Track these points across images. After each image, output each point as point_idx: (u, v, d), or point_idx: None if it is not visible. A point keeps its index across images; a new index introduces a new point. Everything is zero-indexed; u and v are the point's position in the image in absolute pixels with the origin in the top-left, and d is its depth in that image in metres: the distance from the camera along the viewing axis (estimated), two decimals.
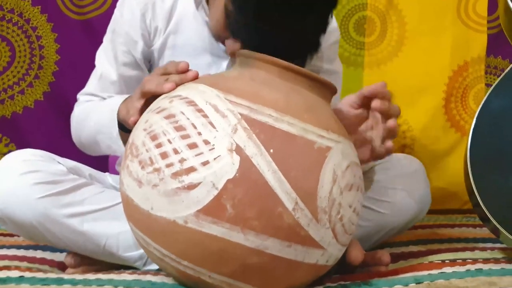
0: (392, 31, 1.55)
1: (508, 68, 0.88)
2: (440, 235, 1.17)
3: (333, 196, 0.63)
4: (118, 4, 1.02)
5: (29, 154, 0.84)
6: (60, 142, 1.39)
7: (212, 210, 0.59)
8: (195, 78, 0.71)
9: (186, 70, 0.71)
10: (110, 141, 0.87)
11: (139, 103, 0.73)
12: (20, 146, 1.51)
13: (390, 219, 0.92)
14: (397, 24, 1.55)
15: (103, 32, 1.49)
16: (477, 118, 0.87)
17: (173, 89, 0.70)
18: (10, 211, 0.80)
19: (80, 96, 1.03)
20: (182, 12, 0.98)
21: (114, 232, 0.83)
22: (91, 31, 1.54)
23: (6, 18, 1.54)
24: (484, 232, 0.94)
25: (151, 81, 0.73)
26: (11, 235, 1.18)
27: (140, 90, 0.74)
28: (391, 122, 0.73)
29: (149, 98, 0.73)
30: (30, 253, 0.97)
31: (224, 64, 0.97)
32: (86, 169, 0.91)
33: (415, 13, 1.54)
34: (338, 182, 0.64)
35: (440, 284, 0.68)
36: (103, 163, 1.24)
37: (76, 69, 1.51)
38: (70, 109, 1.51)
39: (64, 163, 0.86)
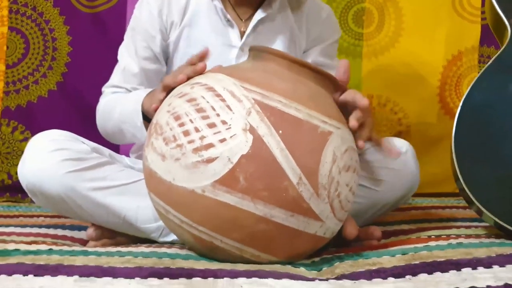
0: (389, 22, 1.59)
1: (490, 62, 0.93)
2: (431, 215, 1.24)
3: (333, 174, 0.70)
4: (137, 4, 1.09)
5: (57, 134, 0.90)
6: (73, 130, 1.45)
7: (227, 181, 0.66)
8: (203, 69, 0.78)
9: (205, 57, 0.79)
10: (134, 130, 0.93)
11: (162, 95, 0.80)
12: (35, 133, 1.56)
13: (382, 195, 0.99)
14: (394, 15, 1.59)
15: (113, 24, 1.57)
16: (461, 109, 0.92)
17: (185, 80, 0.77)
18: (41, 185, 0.87)
19: (105, 89, 1.09)
20: (196, 5, 1.05)
21: (133, 206, 0.89)
22: (101, 24, 1.58)
23: (21, 12, 1.58)
24: (472, 213, 1.00)
25: (170, 76, 0.80)
26: (31, 216, 1.26)
27: (162, 83, 0.81)
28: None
29: (170, 90, 0.80)
30: (51, 231, 1.04)
31: (234, 52, 1.04)
32: (106, 150, 0.97)
33: (412, 5, 1.59)
34: (337, 163, 0.71)
35: (423, 255, 0.74)
36: (114, 149, 1.31)
37: (87, 60, 1.57)
38: (82, 98, 1.57)
39: (88, 144, 0.92)
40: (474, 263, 0.67)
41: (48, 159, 0.86)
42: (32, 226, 1.10)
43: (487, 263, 0.67)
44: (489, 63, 0.94)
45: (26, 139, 1.57)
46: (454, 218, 1.19)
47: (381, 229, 1.02)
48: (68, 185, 0.86)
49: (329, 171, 0.69)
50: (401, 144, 1.03)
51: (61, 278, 0.61)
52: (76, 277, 0.62)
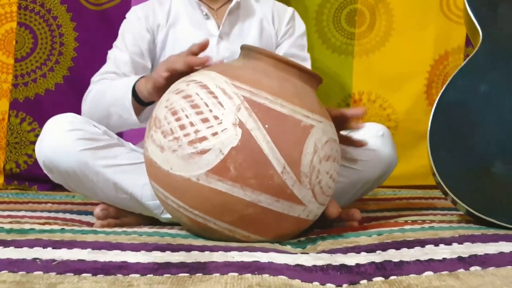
0: (380, 23, 1.65)
1: (463, 63, 1.00)
2: (413, 204, 1.32)
3: (314, 164, 0.77)
4: (126, 15, 1.22)
5: (72, 116, 0.98)
6: None
7: (219, 170, 0.73)
8: (207, 60, 0.85)
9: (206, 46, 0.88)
10: (123, 111, 1.00)
11: (165, 74, 0.87)
12: (42, 124, 1.57)
13: (363, 174, 1.07)
14: (385, 16, 1.65)
15: (118, 21, 1.61)
16: (436, 106, 0.98)
17: (191, 65, 0.85)
18: (57, 161, 0.94)
19: (95, 77, 1.16)
20: (178, 6, 1.21)
21: (139, 184, 0.96)
22: (107, 20, 1.63)
23: (29, 8, 1.64)
24: (450, 203, 1.07)
25: (178, 60, 0.87)
26: (39, 203, 1.34)
27: (165, 65, 0.88)
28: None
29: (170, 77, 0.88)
30: (60, 215, 1.12)
31: (214, 40, 1.18)
32: (115, 135, 1.03)
33: (402, 7, 1.64)
34: (318, 153, 0.78)
35: (396, 235, 0.82)
36: None
37: (93, 55, 1.60)
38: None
39: (99, 127, 0.99)
40: (437, 241, 0.75)
41: (65, 137, 0.93)
42: (42, 211, 1.18)
43: (449, 241, 0.75)
44: (462, 64, 1.01)
45: (33, 130, 1.63)
46: (434, 207, 1.27)
47: (364, 215, 1.10)
48: (82, 161, 0.94)
49: (310, 160, 0.76)
50: (378, 128, 1.13)
51: (76, 250, 0.69)
52: (89, 249, 0.70)
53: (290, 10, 1.30)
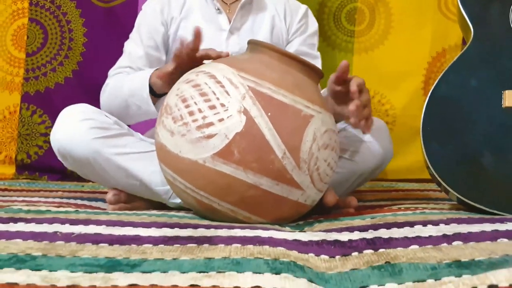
0: (379, 21, 1.69)
1: (455, 59, 1.05)
2: (409, 195, 1.37)
3: (312, 151, 0.82)
4: (142, 7, 1.27)
5: (84, 107, 1.03)
6: None
7: (224, 154, 0.78)
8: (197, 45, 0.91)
9: (199, 33, 0.93)
10: (141, 102, 1.05)
11: (173, 64, 0.94)
12: (52, 116, 1.63)
13: (360, 166, 1.12)
14: (384, 15, 1.69)
15: (126, 18, 1.70)
16: (428, 100, 1.03)
17: (194, 48, 0.91)
18: (71, 148, 0.99)
19: (112, 71, 1.22)
20: (192, 0, 1.22)
21: (148, 171, 1.01)
22: (115, 17, 1.69)
23: (40, 4, 1.69)
24: (445, 195, 1.12)
25: (183, 48, 0.93)
26: (51, 191, 1.39)
27: (172, 56, 0.95)
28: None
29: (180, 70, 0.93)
30: (72, 201, 1.17)
31: (224, 34, 1.23)
32: (125, 125, 1.08)
33: (401, 5, 1.69)
34: (317, 141, 0.83)
35: (388, 219, 0.87)
36: None
37: (101, 50, 1.68)
38: (95, 84, 1.66)
39: (110, 117, 1.04)
40: (426, 223, 0.80)
41: (78, 126, 0.98)
42: (54, 197, 1.23)
43: (437, 223, 0.80)
44: (454, 60, 1.06)
45: (44, 122, 1.69)
46: (429, 197, 1.32)
47: (361, 204, 1.15)
48: (94, 149, 0.98)
49: (309, 148, 0.81)
50: (375, 122, 1.16)
51: (92, 226, 0.75)
52: (104, 226, 0.75)
53: (303, 7, 1.32)
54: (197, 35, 0.93)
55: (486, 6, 1.08)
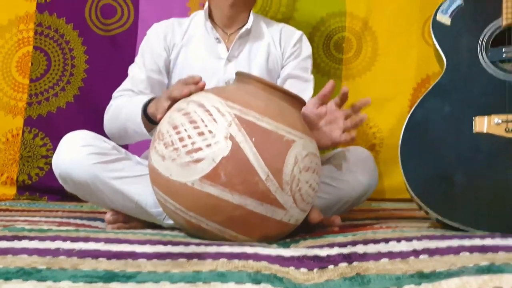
0: (366, 49, 1.76)
1: (430, 87, 1.13)
2: (394, 215, 1.42)
3: (294, 173, 0.88)
4: (147, 32, 1.34)
5: (84, 133, 1.09)
6: None
7: (211, 176, 0.84)
8: (203, 87, 0.96)
9: (199, 81, 0.97)
10: (135, 126, 1.12)
11: (167, 103, 0.98)
12: (54, 140, 1.73)
13: (345, 193, 1.18)
14: (371, 43, 1.77)
15: (126, 45, 1.77)
16: (406, 124, 1.09)
17: (189, 93, 0.95)
18: (72, 173, 1.05)
19: (115, 93, 1.29)
20: (195, 28, 1.32)
21: (144, 193, 1.07)
22: (115, 45, 1.76)
23: (44, 33, 1.77)
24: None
25: (176, 88, 0.98)
26: (51, 211, 1.44)
27: (167, 94, 0.99)
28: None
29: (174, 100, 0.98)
30: (72, 220, 1.23)
31: (222, 62, 1.30)
32: (122, 149, 1.15)
33: (386, 35, 1.76)
34: (298, 164, 0.89)
35: (368, 236, 0.92)
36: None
37: (101, 76, 1.74)
38: (96, 109, 1.73)
39: (108, 142, 1.11)
40: (400, 239, 0.86)
41: (79, 152, 1.05)
42: (54, 217, 1.28)
43: (410, 239, 0.86)
44: (429, 87, 1.14)
45: (45, 145, 1.74)
46: (413, 217, 1.36)
47: (347, 223, 1.21)
48: (93, 173, 1.04)
49: (291, 170, 0.87)
50: (361, 151, 1.24)
51: (91, 243, 0.81)
52: (102, 243, 0.82)
53: (298, 33, 1.39)
54: (199, 85, 0.98)
55: (457, 38, 1.16)
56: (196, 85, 0.97)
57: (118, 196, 1.08)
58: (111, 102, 1.27)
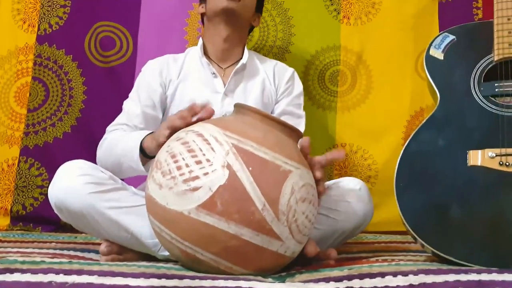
0: (361, 82, 1.79)
1: (424, 120, 1.15)
2: (390, 247, 1.41)
3: (291, 203, 0.88)
4: (142, 69, 1.36)
5: (82, 163, 1.09)
6: None
7: (208, 205, 0.84)
8: (210, 114, 0.97)
9: (199, 111, 0.98)
10: (132, 162, 1.12)
11: (167, 132, 0.99)
12: (50, 170, 1.73)
13: (341, 224, 1.17)
14: (365, 76, 1.80)
15: (124, 77, 1.79)
16: (401, 157, 1.10)
17: (193, 123, 0.96)
18: (67, 202, 1.05)
19: (110, 127, 1.30)
20: (190, 64, 1.34)
21: (139, 224, 1.07)
22: (114, 76, 1.78)
23: (43, 64, 1.78)
24: None
25: (179, 119, 0.98)
26: (44, 242, 1.43)
27: (167, 124, 0.99)
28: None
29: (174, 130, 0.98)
30: (65, 252, 1.22)
31: (219, 96, 1.32)
32: (119, 180, 1.15)
33: (380, 68, 1.79)
34: (295, 195, 0.89)
35: (363, 270, 0.91)
36: None
37: (98, 107, 1.75)
38: (93, 139, 1.75)
39: (105, 172, 1.11)
40: (397, 273, 0.85)
41: (75, 182, 1.05)
42: (48, 248, 1.27)
43: (407, 273, 0.85)
44: (424, 120, 1.16)
45: (41, 175, 1.73)
46: (408, 250, 1.37)
47: (343, 256, 1.20)
48: (89, 203, 1.04)
49: (287, 200, 0.87)
50: (355, 182, 1.24)
51: (85, 276, 0.80)
52: (96, 276, 0.80)
53: (290, 70, 1.43)
54: (203, 107, 0.98)
55: (450, 73, 1.19)
56: (199, 113, 0.97)
57: (114, 227, 1.07)
58: (105, 136, 1.27)
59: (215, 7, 1.32)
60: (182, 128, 0.97)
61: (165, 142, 0.98)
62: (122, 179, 1.26)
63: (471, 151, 1.09)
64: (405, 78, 1.78)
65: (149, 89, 1.31)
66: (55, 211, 1.10)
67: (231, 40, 1.36)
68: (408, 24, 1.78)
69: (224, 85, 1.33)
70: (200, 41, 1.40)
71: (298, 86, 1.43)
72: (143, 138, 1.11)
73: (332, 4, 1.83)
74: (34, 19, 1.80)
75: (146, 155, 1.11)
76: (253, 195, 0.85)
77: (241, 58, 1.38)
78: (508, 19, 1.18)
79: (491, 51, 1.19)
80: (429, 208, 1.08)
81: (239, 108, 1.00)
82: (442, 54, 1.24)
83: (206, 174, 0.86)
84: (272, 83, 1.39)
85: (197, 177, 0.86)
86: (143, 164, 1.12)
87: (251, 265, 0.90)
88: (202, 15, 1.44)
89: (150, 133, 1.13)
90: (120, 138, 1.21)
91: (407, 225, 1.09)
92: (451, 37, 1.25)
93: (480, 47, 1.21)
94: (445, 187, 1.09)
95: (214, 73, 1.34)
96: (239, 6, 1.31)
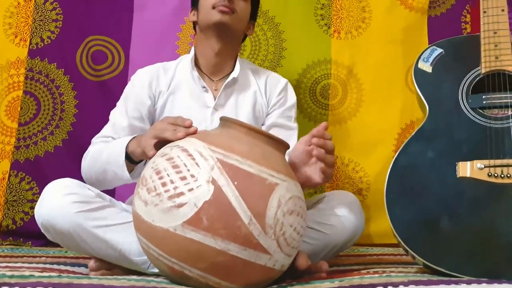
0: (351, 95, 1.80)
1: (413, 132, 1.15)
2: (382, 260, 1.41)
3: (278, 216, 0.87)
4: (132, 76, 1.33)
5: (69, 181, 1.08)
6: None
7: (193, 221, 0.83)
8: (195, 132, 0.96)
9: (190, 126, 0.97)
10: (117, 169, 1.10)
11: (153, 141, 0.97)
12: (40, 183, 1.71)
13: (332, 238, 1.17)
14: (356, 90, 1.80)
15: (116, 91, 1.77)
16: (390, 169, 1.10)
17: (183, 137, 0.94)
18: (54, 222, 1.04)
19: (95, 139, 1.29)
20: (181, 76, 1.33)
21: (127, 241, 1.06)
22: (105, 90, 1.78)
23: (35, 78, 1.78)
24: None
25: (166, 129, 0.97)
26: (34, 257, 1.41)
27: (154, 133, 0.98)
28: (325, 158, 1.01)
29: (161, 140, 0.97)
30: (55, 266, 1.21)
31: (209, 111, 1.30)
32: (107, 196, 1.15)
33: (371, 81, 1.80)
34: (281, 207, 0.88)
35: (355, 281, 0.91)
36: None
37: (90, 121, 1.73)
38: (84, 153, 1.75)
39: (93, 190, 1.10)
40: (387, 285, 0.85)
41: (62, 201, 1.04)
42: (37, 263, 1.26)
43: (397, 284, 0.85)
44: (413, 133, 1.16)
45: (31, 189, 1.72)
46: (400, 262, 1.36)
47: (335, 268, 1.20)
48: (76, 222, 1.03)
49: (274, 213, 0.87)
50: (346, 195, 1.24)
51: None
52: None
53: (283, 81, 1.40)
54: (190, 130, 0.97)
55: (438, 85, 1.20)
56: (188, 130, 0.96)
57: (102, 245, 1.06)
58: (90, 148, 1.26)
59: (207, 20, 1.29)
60: (171, 140, 0.96)
61: (152, 153, 0.97)
62: (112, 193, 1.25)
63: (460, 162, 1.09)
64: (396, 91, 1.79)
65: (137, 101, 1.30)
66: (42, 231, 1.09)
67: (223, 54, 1.34)
68: (398, 38, 1.80)
69: (215, 99, 1.32)
70: (192, 51, 1.38)
71: (291, 98, 1.41)
72: (128, 143, 1.09)
73: (322, 19, 1.84)
74: (26, 33, 1.81)
75: (132, 161, 1.10)
76: (239, 209, 0.84)
77: (232, 70, 1.36)
78: (495, 33, 1.20)
79: (479, 64, 1.21)
80: (420, 220, 1.08)
81: (225, 121, 1.00)
82: (431, 67, 1.25)
83: (191, 190, 0.85)
84: (263, 96, 1.37)
85: (182, 193, 0.85)
86: (129, 171, 1.11)
87: (240, 280, 0.89)
88: (194, 23, 1.40)
89: (134, 137, 1.11)
90: (104, 147, 1.20)
91: (398, 237, 1.09)
92: (439, 50, 1.27)
93: (467, 60, 1.22)
94: (435, 198, 1.09)
95: (204, 87, 1.32)
96: (232, 19, 1.28)
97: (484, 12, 1.21)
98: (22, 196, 1.73)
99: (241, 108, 1.32)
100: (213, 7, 1.27)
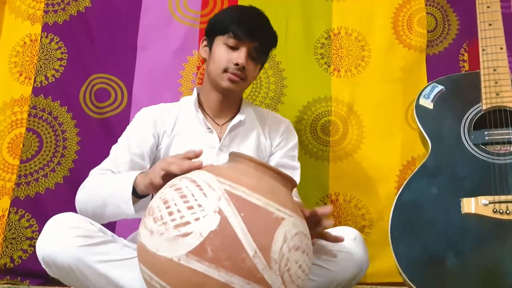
0: (352, 132, 1.81)
1: (416, 168, 1.16)
2: None
3: (283, 251, 0.86)
4: (136, 115, 1.35)
5: (72, 215, 1.07)
6: None
7: (198, 252, 0.82)
8: (200, 166, 0.96)
9: (194, 157, 0.97)
10: (121, 202, 1.08)
11: (161, 173, 0.97)
12: (40, 221, 1.69)
13: (337, 274, 1.15)
14: (356, 127, 1.82)
15: (118, 128, 1.77)
16: (394, 206, 1.10)
17: (189, 169, 0.95)
18: (56, 256, 1.03)
19: (94, 171, 1.28)
20: (185, 117, 1.34)
21: (129, 277, 1.04)
22: (108, 127, 1.79)
23: (38, 115, 1.79)
24: None
25: (174, 163, 0.97)
26: None
27: (162, 165, 0.98)
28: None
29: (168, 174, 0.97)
30: None
31: (214, 151, 1.30)
32: (109, 232, 1.13)
33: (371, 118, 1.81)
34: (287, 242, 0.87)
35: None
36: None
37: (92, 157, 1.63)
38: None
39: (95, 225, 1.09)
40: None
41: (64, 235, 1.03)
42: None
43: None
44: (416, 169, 1.16)
45: (31, 226, 1.70)
46: None
47: None
48: (78, 257, 1.02)
49: (280, 248, 0.85)
50: (351, 231, 1.22)
51: None
52: None
53: (285, 122, 1.43)
54: (198, 154, 0.99)
55: (440, 121, 1.21)
56: (193, 163, 0.96)
57: (103, 281, 1.05)
58: (88, 180, 1.25)
59: (216, 80, 1.31)
60: (177, 173, 0.97)
61: (159, 182, 0.97)
62: (113, 229, 1.23)
63: (464, 198, 1.09)
64: (396, 128, 1.80)
65: (141, 138, 1.30)
66: (43, 266, 1.08)
67: (229, 103, 1.37)
68: (397, 76, 1.82)
69: (220, 140, 1.33)
70: (195, 93, 1.39)
71: (293, 138, 1.43)
72: (136, 176, 1.09)
73: (322, 58, 1.88)
74: (30, 71, 1.83)
75: (136, 195, 1.09)
76: (244, 241, 0.83)
77: (237, 112, 1.38)
78: (494, 70, 1.22)
79: (479, 100, 1.22)
80: (425, 257, 1.08)
81: (234, 156, 1.00)
82: (432, 104, 1.27)
83: (197, 219, 0.84)
84: (267, 137, 1.38)
85: (188, 223, 0.85)
86: (134, 203, 1.10)
87: None
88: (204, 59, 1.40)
89: (142, 172, 1.11)
90: (107, 179, 1.18)
91: (403, 274, 1.07)
92: (440, 87, 1.28)
93: (468, 96, 1.24)
94: (440, 235, 1.08)
95: (209, 128, 1.33)
96: (241, 86, 1.32)
97: (483, 50, 1.24)
98: (21, 234, 1.70)
99: (245, 149, 1.33)
100: (225, 71, 1.29)
